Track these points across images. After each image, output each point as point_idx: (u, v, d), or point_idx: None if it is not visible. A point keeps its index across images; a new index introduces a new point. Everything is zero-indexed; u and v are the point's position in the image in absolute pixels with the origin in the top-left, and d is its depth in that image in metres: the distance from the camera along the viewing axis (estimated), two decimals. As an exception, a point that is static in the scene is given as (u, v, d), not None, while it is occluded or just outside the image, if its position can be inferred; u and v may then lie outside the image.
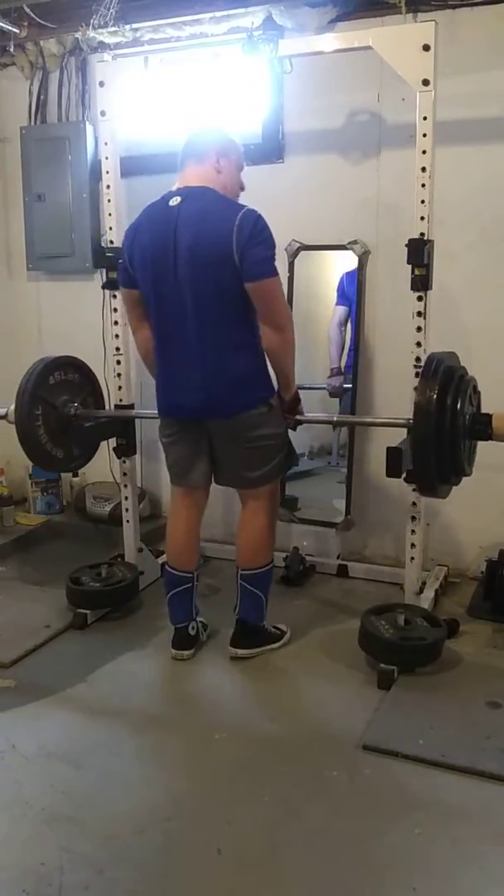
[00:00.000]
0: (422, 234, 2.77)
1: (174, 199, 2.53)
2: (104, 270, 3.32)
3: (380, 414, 3.50)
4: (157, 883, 1.82)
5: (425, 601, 3.05)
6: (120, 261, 2.72)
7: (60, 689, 2.63)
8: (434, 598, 3.15)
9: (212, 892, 1.80)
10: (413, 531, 2.98)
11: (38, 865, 1.85)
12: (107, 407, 3.42)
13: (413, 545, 2.99)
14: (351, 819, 2.02)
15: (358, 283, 3.51)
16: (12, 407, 3.09)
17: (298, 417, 2.80)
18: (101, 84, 3.19)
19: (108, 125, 3.22)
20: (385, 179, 3.37)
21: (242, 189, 2.67)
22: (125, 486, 3.41)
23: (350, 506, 3.64)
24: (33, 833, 1.96)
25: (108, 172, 3.26)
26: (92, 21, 3.49)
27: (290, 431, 2.78)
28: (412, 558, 3.00)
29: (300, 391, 2.79)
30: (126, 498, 3.41)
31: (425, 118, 2.69)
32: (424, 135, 2.71)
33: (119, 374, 3.35)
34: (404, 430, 2.72)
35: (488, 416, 2.63)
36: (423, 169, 2.73)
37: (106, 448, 3.49)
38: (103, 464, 3.68)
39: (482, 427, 2.60)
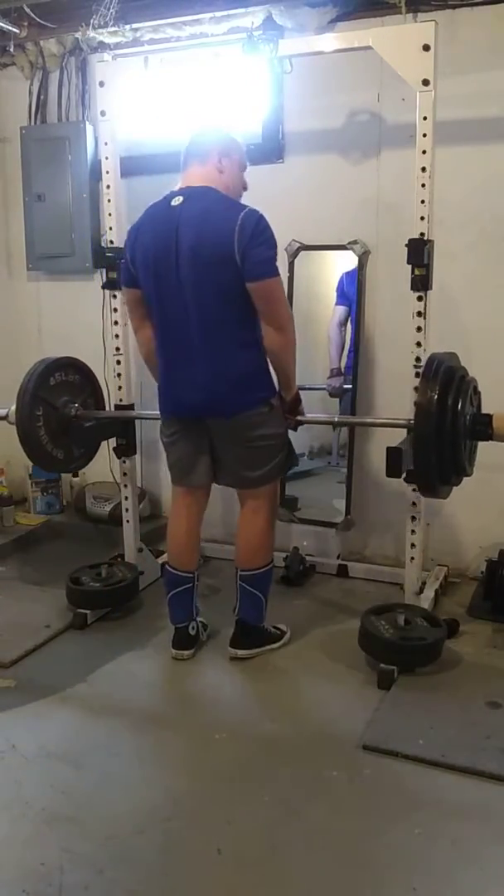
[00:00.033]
0: (422, 234, 2.77)
1: (176, 198, 2.53)
2: (104, 270, 3.32)
3: (380, 414, 3.50)
4: (157, 883, 1.82)
5: (425, 601, 3.05)
6: (122, 260, 2.72)
7: (60, 689, 2.63)
8: (434, 598, 3.15)
9: (212, 892, 1.80)
10: (413, 531, 2.98)
11: (38, 865, 1.85)
12: (107, 407, 3.42)
13: (413, 545, 2.99)
14: (351, 819, 2.02)
15: (358, 284, 3.51)
16: (13, 408, 3.09)
17: (299, 418, 2.81)
18: (101, 84, 3.19)
19: (108, 125, 3.22)
20: (385, 179, 3.37)
21: (245, 189, 2.67)
22: (125, 486, 3.41)
23: (350, 506, 3.64)
24: (33, 833, 1.96)
25: (108, 172, 3.26)
26: (92, 21, 3.49)
27: (290, 432, 2.79)
28: (412, 558, 3.00)
29: (300, 391, 2.79)
30: (126, 498, 3.42)
31: (425, 118, 2.69)
32: (424, 135, 2.71)
33: (119, 375, 3.35)
34: (405, 431, 2.72)
35: (489, 417, 2.63)
36: (423, 169, 2.73)
37: (106, 448, 3.49)
38: (103, 464, 3.68)
39: (483, 427, 2.61)
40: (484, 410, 2.70)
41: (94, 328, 3.86)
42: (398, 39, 2.72)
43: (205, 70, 3.18)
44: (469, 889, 1.79)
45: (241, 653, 2.80)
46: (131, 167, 3.52)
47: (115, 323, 3.33)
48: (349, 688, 2.63)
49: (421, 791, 2.10)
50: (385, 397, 3.50)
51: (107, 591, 3.14)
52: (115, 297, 3.30)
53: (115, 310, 3.31)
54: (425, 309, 2.83)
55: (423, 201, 2.75)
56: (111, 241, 3.27)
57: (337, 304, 3.77)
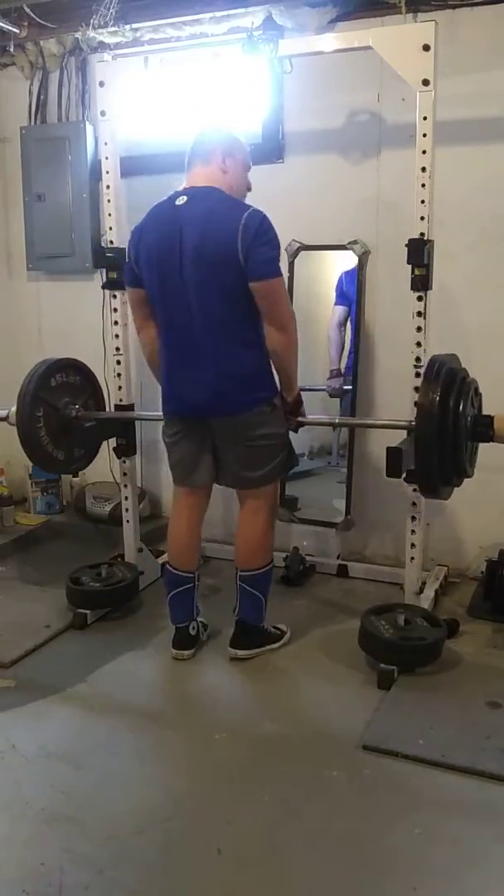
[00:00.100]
0: (422, 234, 2.77)
1: (180, 198, 2.54)
2: (104, 270, 3.32)
3: (380, 414, 3.50)
4: (157, 883, 1.82)
5: (425, 601, 3.04)
6: (126, 260, 2.72)
7: (60, 689, 2.63)
8: (434, 598, 3.15)
9: (212, 892, 1.80)
10: (413, 531, 2.98)
11: (38, 865, 1.85)
12: (107, 408, 3.42)
13: (413, 545, 2.99)
14: (351, 819, 2.02)
15: (358, 284, 3.51)
16: (13, 409, 3.09)
17: (300, 419, 2.81)
18: (101, 84, 3.19)
19: (108, 125, 3.22)
20: (385, 179, 3.37)
21: (249, 189, 2.68)
22: (125, 486, 3.41)
23: (350, 506, 3.64)
24: (33, 833, 1.96)
25: (108, 172, 3.26)
26: (92, 21, 3.48)
27: (290, 433, 2.79)
28: (412, 558, 3.00)
29: (301, 392, 2.79)
30: (126, 498, 3.41)
31: (425, 118, 2.69)
32: (424, 135, 2.71)
33: (119, 375, 3.35)
34: (405, 431, 2.72)
35: (490, 418, 2.64)
36: (423, 169, 2.73)
37: (106, 448, 3.49)
38: (103, 464, 3.67)
39: (484, 429, 2.62)
40: (484, 411, 2.71)
41: (94, 328, 3.86)
42: (398, 39, 2.72)
43: (205, 70, 3.18)
44: (469, 889, 1.79)
45: (241, 653, 2.80)
46: (131, 167, 3.52)
47: (115, 323, 3.33)
48: (349, 688, 2.63)
49: (421, 791, 2.10)
50: (385, 397, 3.50)
51: (107, 591, 3.14)
52: (115, 297, 3.30)
53: (115, 310, 3.31)
54: (425, 309, 2.83)
55: (423, 201, 2.75)
56: (111, 241, 3.27)
57: (336, 304, 3.77)
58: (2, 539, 3.93)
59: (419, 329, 2.84)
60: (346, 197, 3.46)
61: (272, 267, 2.48)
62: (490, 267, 3.28)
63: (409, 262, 2.79)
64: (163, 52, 3.42)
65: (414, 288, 2.82)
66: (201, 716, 2.51)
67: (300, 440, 3.02)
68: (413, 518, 2.97)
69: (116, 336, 3.33)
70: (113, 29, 3.52)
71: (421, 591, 3.09)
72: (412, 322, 2.85)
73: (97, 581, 3.17)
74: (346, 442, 3.75)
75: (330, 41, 2.97)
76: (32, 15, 3.65)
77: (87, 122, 3.90)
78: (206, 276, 2.48)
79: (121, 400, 3.37)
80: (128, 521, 3.41)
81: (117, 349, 3.34)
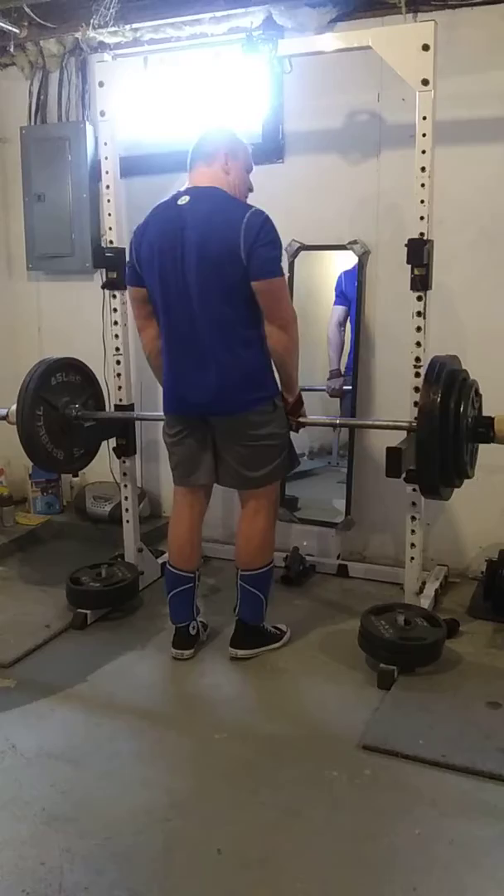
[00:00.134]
0: (421, 234, 2.77)
1: (183, 198, 2.55)
2: (104, 270, 3.31)
3: (380, 414, 3.50)
4: (157, 883, 1.82)
5: (425, 601, 3.04)
6: (127, 260, 2.72)
7: (60, 689, 2.63)
8: (434, 598, 3.15)
9: (212, 892, 1.80)
10: (413, 531, 2.98)
11: (38, 865, 1.85)
12: (107, 408, 3.42)
13: (413, 545, 2.99)
14: (351, 819, 2.02)
15: (358, 284, 3.51)
16: (13, 408, 3.09)
17: (301, 420, 2.81)
18: (101, 84, 3.19)
19: (108, 125, 3.22)
20: (385, 179, 3.37)
21: (251, 190, 2.68)
22: (125, 486, 3.41)
23: (350, 506, 3.64)
24: (33, 833, 1.96)
25: (107, 172, 3.26)
26: (92, 21, 3.48)
27: (291, 433, 2.79)
28: (412, 558, 3.00)
29: (302, 393, 2.80)
30: (126, 498, 3.41)
31: (425, 118, 2.69)
32: (424, 135, 2.70)
33: (119, 375, 3.35)
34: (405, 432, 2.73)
35: (490, 419, 2.65)
36: (423, 169, 2.72)
37: (106, 448, 3.49)
38: (103, 464, 3.67)
39: (484, 430, 2.63)
40: (485, 412, 2.71)
41: (94, 328, 3.86)
42: (398, 39, 2.72)
43: (205, 70, 3.18)
44: (469, 889, 1.79)
45: (241, 653, 2.80)
46: (131, 167, 3.51)
47: (115, 323, 3.33)
48: (349, 688, 2.63)
49: (421, 791, 2.10)
50: (385, 397, 3.50)
51: (107, 591, 3.14)
52: (114, 297, 3.30)
53: (115, 310, 3.31)
54: (425, 309, 2.83)
55: (422, 201, 2.75)
56: (111, 242, 3.27)
57: (335, 304, 3.77)
58: (2, 539, 3.93)
59: (419, 329, 2.84)
60: (346, 197, 3.46)
61: (274, 266, 2.49)
62: (490, 267, 3.28)
63: (408, 262, 2.78)
64: (163, 52, 3.43)
65: (414, 288, 2.81)
66: (201, 716, 2.51)
67: (300, 440, 3.02)
68: (413, 518, 2.97)
69: (116, 336, 3.33)
70: (113, 29, 3.51)
71: (421, 591, 3.09)
72: (412, 322, 2.85)
73: (97, 581, 3.17)
74: (347, 442, 3.75)
75: (330, 41, 2.97)
76: (32, 15, 3.65)
77: (87, 122, 3.90)
78: (208, 276, 2.49)
79: (121, 400, 3.37)
80: (128, 521, 3.41)
81: (117, 349, 3.34)
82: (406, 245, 2.78)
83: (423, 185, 2.73)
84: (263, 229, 2.45)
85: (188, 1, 3.40)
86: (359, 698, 2.55)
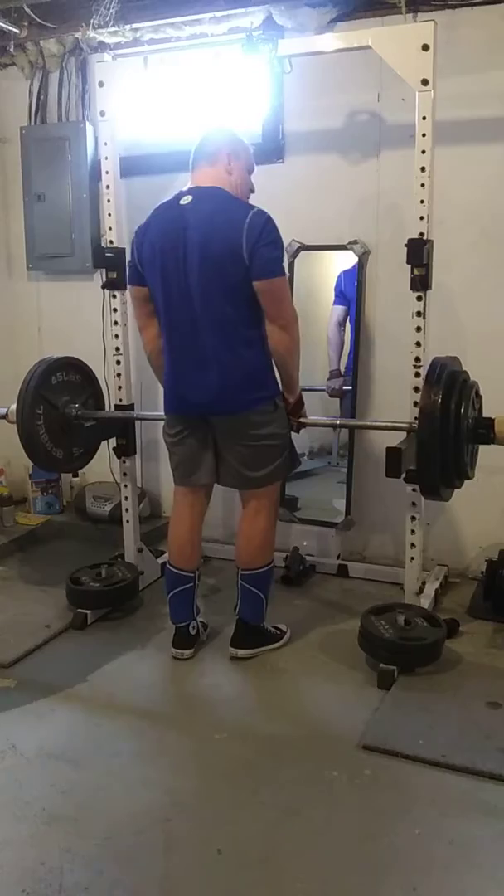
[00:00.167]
0: (421, 234, 2.77)
1: (185, 198, 2.56)
2: (104, 270, 3.31)
3: (380, 414, 3.50)
4: (157, 883, 1.82)
5: (425, 601, 3.04)
6: (129, 259, 2.73)
7: (60, 689, 2.63)
8: (434, 598, 3.15)
9: (212, 892, 1.80)
10: (413, 531, 2.98)
11: (38, 865, 1.85)
12: (106, 407, 3.42)
13: (413, 545, 2.99)
14: (351, 819, 2.02)
15: (358, 284, 3.51)
16: (13, 406, 3.09)
17: (302, 420, 2.81)
18: (101, 84, 3.19)
19: (108, 125, 3.22)
20: (385, 179, 3.37)
21: (252, 191, 2.69)
22: (125, 486, 3.41)
23: (350, 506, 3.64)
24: (33, 833, 1.96)
25: (107, 172, 3.26)
26: (92, 21, 3.48)
27: (291, 434, 2.79)
28: (412, 558, 3.00)
29: (302, 393, 2.80)
30: (126, 498, 3.41)
31: (425, 118, 2.69)
32: (424, 135, 2.70)
33: (119, 375, 3.35)
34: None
35: (490, 421, 2.65)
36: (423, 169, 2.72)
37: (106, 448, 3.49)
38: (103, 464, 3.68)
39: (485, 431, 2.64)
40: (485, 412, 2.71)
41: (94, 328, 3.86)
42: (398, 39, 2.72)
43: (205, 70, 3.18)
44: (469, 889, 1.79)
45: (241, 652, 2.80)
46: (131, 167, 3.51)
47: (115, 323, 3.33)
48: (349, 688, 2.63)
49: (421, 791, 2.10)
50: (385, 397, 3.50)
51: (107, 591, 3.14)
52: (115, 297, 3.30)
53: (115, 310, 3.31)
54: (425, 309, 2.83)
55: (422, 201, 2.75)
56: (111, 242, 3.27)
57: (335, 303, 3.77)
58: (2, 539, 3.93)
59: (419, 329, 2.84)
60: (346, 197, 3.46)
61: (276, 266, 2.50)
62: (490, 267, 3.28)
63: (408, 262, 2.78)
64: (163, 52, 3.43)
65: (414, 288, 2.81)
66: (201, 716, 2.51)
67: (300, 440, 3.02)
68: (413, 518, 2.97)
69: (116, 336, 3.33)
70: (113, 29, 3.51)
71: (421, 591, 3.09)
72: (412, 322, 2.84)
73: (97, 581, 3.17)
74: (347, 442, 3.75)
75: (330, 41, 2.97)
76: (32, 15, 3.65)
77: (87, 122, 3.90)
78: (210, 275, 2.49)
79: (120, 400, 3.37)
80: (128, 521, 3.41)
81: (117, 349, 3.34)
82: (406, 245, 2.78)
83: (422, 186, 2.73)
84: (266, 229, 2.45)
85: (188, 1, 3.40)
86: (359, 698, 2.55)
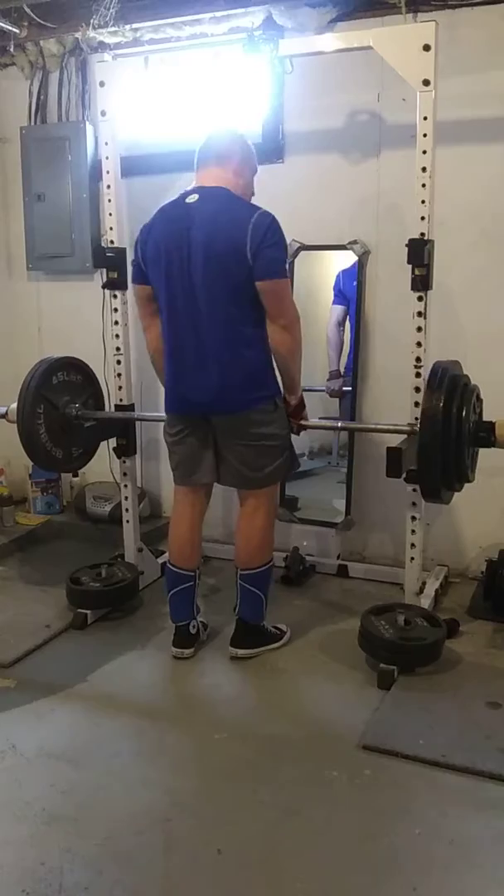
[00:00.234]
0: (422, 234, 2.77)
1: (191, 196, 2.56)
2: (104, 270, 3.31)
3: (380, 414, 3.49)
4: (157, 883, 1.82)
5: (425, 601, 3.04)
6: (132, 258, 2.73)
7: (60, 689, 2.63)
8: (434, 598, 3.15)
9: (212, 892, 1.80)
10: (413, 531, 2.98)
11: (38, 865, 1.85)
12: (107, 407, 3.42)
13: (413, 545, 2.98)
14: (351, 819, 2.02)
15: (358, 284, 3.51)
16: (13, 406, 3.09)
17: (303, 422, 2.81)
18: (101, 84, 3.19)
19: (108, 125, 3.22)
20: (385, 179, 3.37)
21: (253, 194, 2.69)
22: (125, 486, 3.41)
23: (350, 506, 3.64)
24: (33, 833, 1.96)
25: (108, 172, 3.26)
26: (92, 21, 3.48)
27: (292, 434, 2.79)
28: (412, 558, 3.00)
29: (304, 395, 2.80)
30: (126, 498, 3.41)
31: (425, 118, 2.69)
32: (425, 135, 2.70)
33: (119, 375, 3.35)
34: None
35: (491, 424, 2.66)
36: (424, 169, 2.72)
37: (106, 448, 3.49)
38: (103, 464, 3.67)
39: (485, 434, 2.65)
40: (485, 415, 2.71)
41: (94, 328, 3.86)
42: (398, 39, 2.72)
43: (205, 70, 3.18)
44: (469, 889, 1.79)
45: (241, 652, 2.80)
46: (131, 167, 3.51)
47: (116, 323, 3.32)
48: (349, 688, 2.63)
49: (421, 791, 2.10)
50: (385, 398, 3.50)
51: (107, 591, 3.14)
52: (115, 297, 3.30)
53: (116, 310, 3.31)
54: (425, 309, 2.83)
55: (423, 201, 2.75)
56: (111, 241, 3.27)
57: (334, 303, 3.77)
58: (2, 539, 3.93)
59: (419, 329, 2.84)
60: (346, 197, 3.46)
61: (279, 267, 2.51)
62: (491, 267, 3.28)
63: (409, 262, 2.78)
64: (163, 52, 3.42)
65: (414, 288, 2.81)
66: (201, 716, 2.51)
67: (300, 440, 3.02)
68: (413, 518, 2.97)
69: (116, 336, 3.33)
70: (113, 29, 3.51)
71: (421, 591, 3.09)
72: (412, 322, 2.85)
73: (97, 581, 3.17)
74: (346, 442, 3.75)
75: (330, 41, 2.97)
76: (32, 15, 3.65)
77: (87, 122, 3.90)
78: (214, 275, 2.50)
79: (121, 400, 3.37)
80: (128, 521, 3.41)
81: (117, 349, 3.33)
82: (407, 245, 2.78)
83: (423, 186, 2.73)
84: (270, 230, 2.47)
85: (188, 1, 3.40)
86: (359, 698, 2.55)
